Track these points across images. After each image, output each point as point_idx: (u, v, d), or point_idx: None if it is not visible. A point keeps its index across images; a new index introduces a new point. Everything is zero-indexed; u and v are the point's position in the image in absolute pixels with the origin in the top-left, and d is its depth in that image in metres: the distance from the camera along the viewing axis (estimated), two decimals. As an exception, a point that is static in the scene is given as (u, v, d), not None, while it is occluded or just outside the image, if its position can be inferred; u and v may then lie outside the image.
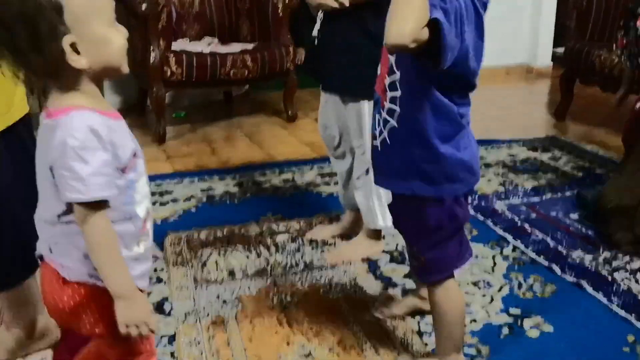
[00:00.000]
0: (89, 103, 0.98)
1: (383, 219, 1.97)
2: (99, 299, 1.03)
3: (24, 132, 1.39)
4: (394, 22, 1.07)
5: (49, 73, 0.96)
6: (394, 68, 1.25)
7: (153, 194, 2.53)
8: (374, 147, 1.36)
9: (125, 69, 1.01)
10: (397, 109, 1.26)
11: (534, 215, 2.35)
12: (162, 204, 2.47)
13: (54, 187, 0.97)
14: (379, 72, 1.33)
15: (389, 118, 1.28)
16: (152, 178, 2.69)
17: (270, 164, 2.91)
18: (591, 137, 3.31)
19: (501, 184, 2.67)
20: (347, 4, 1.77)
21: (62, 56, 0.93)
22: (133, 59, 3.43)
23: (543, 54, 4.89)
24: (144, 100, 3.64)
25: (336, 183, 2.40)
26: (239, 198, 2.54)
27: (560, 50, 4.22)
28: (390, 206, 1.47)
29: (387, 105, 1.27)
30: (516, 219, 2.31)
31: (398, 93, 1.25)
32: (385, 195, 1.93)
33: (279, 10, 3.39)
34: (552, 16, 4.81)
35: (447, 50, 1.08)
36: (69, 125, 0.94)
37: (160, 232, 2.17)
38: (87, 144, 0.94)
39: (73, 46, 0.93)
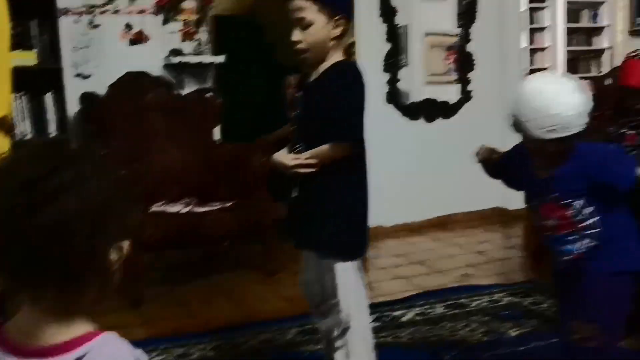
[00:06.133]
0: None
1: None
2: None
3: None
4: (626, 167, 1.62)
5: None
6: (574, 204, 1.65)
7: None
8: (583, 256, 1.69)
9: None
10: (594, 219, 1.66)
11: (521, 366, 2.29)
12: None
13: None
14: (551, 224, 1.71)
15: (591, 231, 1.67)
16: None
17: (250, 324, 2.84)
18: (571, 278, 3.31)
19: (484, 333, 2.62)
20: (315, 167, 1.84)
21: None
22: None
23: (515, 197, 5.00)
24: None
25: (318, 341, 2.34)
26: (216, 363, 2.45)
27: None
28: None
29: (584, 224, 1.67)
30: (503, 371, 2.24)
31: (587, 210, 1.66)
32: (367, 356, 1.89)
33: (256, 168, 3.49)
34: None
35: None
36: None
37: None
38: None
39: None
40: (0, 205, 0.77)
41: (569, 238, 1.71)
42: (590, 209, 1.66)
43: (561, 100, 1.55)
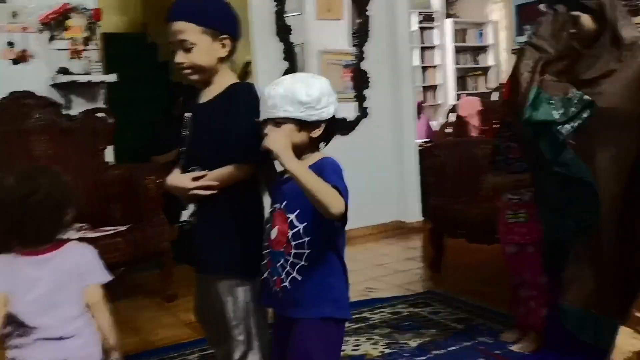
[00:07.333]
0: None
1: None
2: None
3: None
4: (332, 198, 1.50)
5: None
6: (295, 223, 1.59)
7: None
8: (282, 288, 1.61)
9: None
10: (307, 250, 1.58)
11: (421, 376, 2.33)
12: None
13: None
14: (272, 234, 1.64)
15: (297, 260, 1.58)
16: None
17: (148, 352, 2.73)
18: (466, 287, 3.43)
19: (386, 345, 2.65)
20: (215, 189, 1.80)
21: None
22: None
23: (412, 210, 5.16)
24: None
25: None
26: (112, 396, 2.32)
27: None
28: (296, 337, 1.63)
29: (294, 250, 1.59)
30: (404, 382, 2.27)
31: (306, 238, 1.58)
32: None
33: (151, 191, 3.38)
34: (415, 174, 5.13)
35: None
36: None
37: None
38: None
39: None
40: (14, 199, 1.61)
41: (280, 258, 1.61)
42: (307, 238, 1.59)
43: (300, 84, 1.62)
